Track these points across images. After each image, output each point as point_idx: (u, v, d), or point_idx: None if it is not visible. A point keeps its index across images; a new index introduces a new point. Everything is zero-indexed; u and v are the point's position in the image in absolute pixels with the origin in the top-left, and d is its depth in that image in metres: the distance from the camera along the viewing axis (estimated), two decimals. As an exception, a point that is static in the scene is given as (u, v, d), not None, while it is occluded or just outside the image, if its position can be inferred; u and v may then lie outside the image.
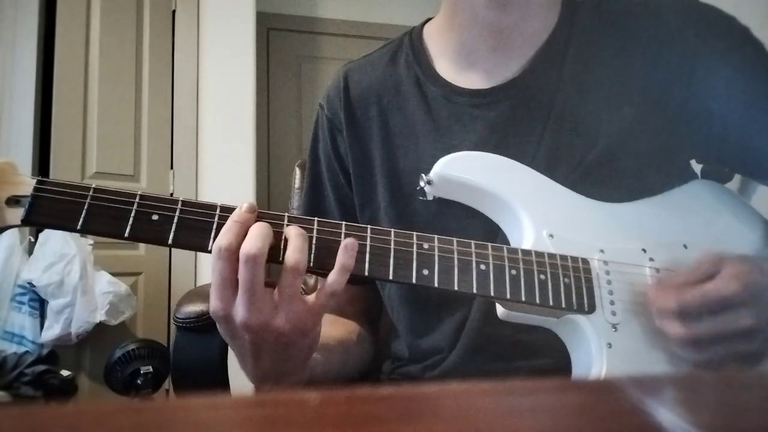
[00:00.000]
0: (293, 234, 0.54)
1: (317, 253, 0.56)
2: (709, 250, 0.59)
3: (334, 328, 0.78)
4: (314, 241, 0.57)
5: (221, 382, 0.85)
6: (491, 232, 0.66)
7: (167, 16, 2.47)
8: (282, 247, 0.55)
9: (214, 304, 0.54)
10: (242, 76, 2.48)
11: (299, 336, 0.55)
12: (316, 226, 0.57)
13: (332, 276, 0.54)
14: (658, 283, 0.59)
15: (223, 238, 0.53)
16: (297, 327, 0.54)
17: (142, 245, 2.32)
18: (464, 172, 0.65)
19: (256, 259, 0.51)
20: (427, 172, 0.65)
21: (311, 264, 0.56)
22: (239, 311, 0.52)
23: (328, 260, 0.56)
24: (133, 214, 0.55)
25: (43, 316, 2.03)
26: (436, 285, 0.57)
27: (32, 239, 2.13)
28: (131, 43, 2.40)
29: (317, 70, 3.08)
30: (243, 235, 0.53)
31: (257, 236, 0.52)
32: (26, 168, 2.14)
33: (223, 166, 2.41)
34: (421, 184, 0.66)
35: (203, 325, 0.83)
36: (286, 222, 0.56)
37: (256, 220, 0.55)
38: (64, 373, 1.92)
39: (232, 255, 0.52)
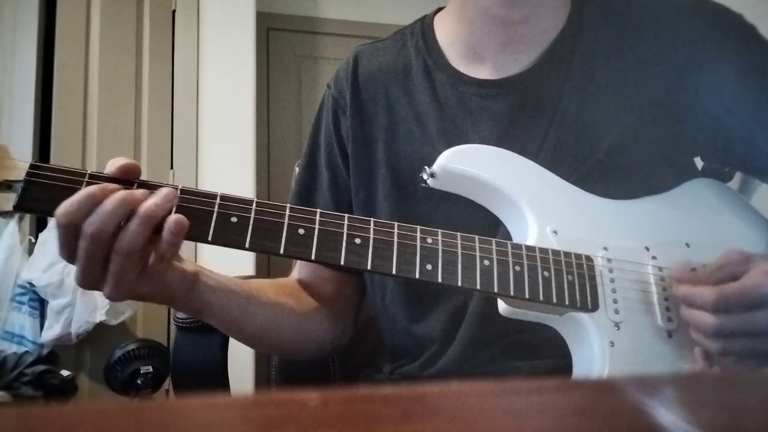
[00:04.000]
0: (136, 214, 0.52)
1: (319, 244, 0.56)
2: (734, 249, 0.59)
3: (279, 292, 0.75)
4: (316, 233, 0.56)
5: (221, 382, 0.85)
6: (492, 225, 0.66)
7: (167, 16, 2.47)
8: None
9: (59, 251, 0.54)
10: (242, 76, 2.48)
11: (138, 299, 0.57)
12: (318, 218, 0.57)
13: (160, 246, 0.53)
14: (691, 277, 0.59)
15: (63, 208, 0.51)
16: (130, 295, 0.55)
17: (142, 245, 2.32)
18: (468, 165, 0.64)
19: (97, 239, 0.51)
20: (430, 159, 0.65)
21: (314, 256, 0.56)
22: (77, 272, 0.53)
23: (330, 253, 0.56)
24: None
25: (43, 316, 2.03)
26: (439, 280, 0.57)
27: (32, 239, 2.13)
28: (131, 43, 2.39)
29: (317, 70, 3.07)
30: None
31: (105, 214, 0.51)
32: (26, 168, 2.13)
33: (223, 166, 2.41)
34: (424, 176, 0.66)
35: (203, 325, 0.83)
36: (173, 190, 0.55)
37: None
38: (64, 373, 1.92)
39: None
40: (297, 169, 1.17)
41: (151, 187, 0.54)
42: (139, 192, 0.52)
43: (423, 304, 0.73)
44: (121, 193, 0.51)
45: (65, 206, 0.51)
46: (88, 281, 0.53)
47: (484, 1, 0.70)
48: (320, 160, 0.81)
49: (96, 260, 0.52)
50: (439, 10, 0.81)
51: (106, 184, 0.52)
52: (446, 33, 0.77)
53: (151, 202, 0.52)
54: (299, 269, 0.84)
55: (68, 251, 0.53)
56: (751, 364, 0.57)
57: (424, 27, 0.80)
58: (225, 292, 0.65)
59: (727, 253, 0.59)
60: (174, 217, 0.52)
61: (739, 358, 0.57)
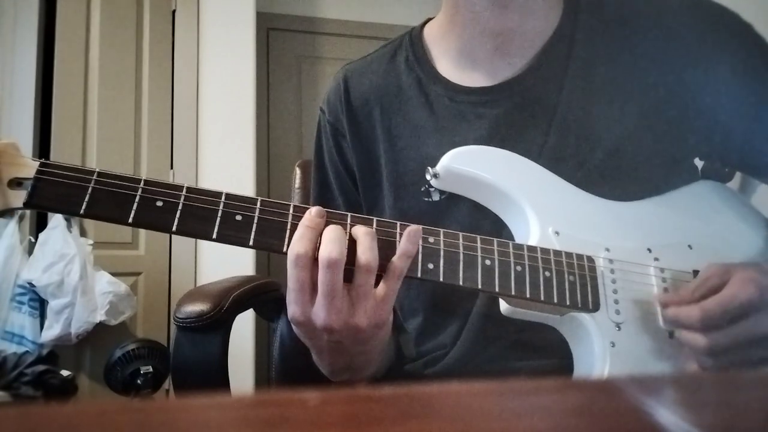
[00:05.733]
0: (361, 233, 0.55)
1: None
2: (712, 262, 0.59)
3: None
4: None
5: (221, 382, 0.85)
6: (496, 232, 0.66)
7: (167, 16, 2.47)
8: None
9: (292, 310, 0.54)
10: (242, 76, 2.48)
11: (376, 329, 0.56)
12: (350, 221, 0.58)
13: (395, 261, 0.55)
14: (676, 297, 0.59)
15: (299, 245, 0.53)
16: (373, 321, 0.55)
17: (142, 245, 2.33)
18: (471, 165, 0.65)
19: (337, 264, 0.52)
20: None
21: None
22: (320, 315, 0.53)
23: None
24: (137, 200, 0.54)
25: (43, 316, 2.03)
26: (441, 279, 0.57)
27: (32, 239, 2.13)
28: (131, 43, 2.40)
29: (317, 70, 3.07)
30: (316, 240, 0.54)
31: (334, 240, 0.53)
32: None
33: (223, 166, 2.41)
34: (428, 177, 0.66)
35: (203, 325, 0.83)
36: (349, 221, 0.57)
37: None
38: (64, 373, 1.92)
39: (309, 261, 0.53)
40: (297, 170, 1.17)
41: (160, 186, 0.55)
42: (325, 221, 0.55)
43: (434, 325, 0.73)
44: (333, 225, 0.55)
45: (298, 242, 0.53)
46: (336, 313, 0.53)
47: (474, 10, 0.70)
48: (332, 185, 0.81)
49: (340, 289, 0.53)
50: (428, 21, 0.81)
51: (307, 216, 0.55)
52: (437, 43, 0.77)
53: (359, 225, 0.56)
54: None
55: (307, 292, 0.54)
56: (748, 368, 0.57)
57: (413, 40, 0.79)
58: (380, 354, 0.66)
59: (706, 268, 0.59)
60: (412, 227, 0.56)
61: (737, 367, 0.57)
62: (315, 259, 0.53)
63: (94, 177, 0.54)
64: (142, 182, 0.55)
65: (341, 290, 0.53)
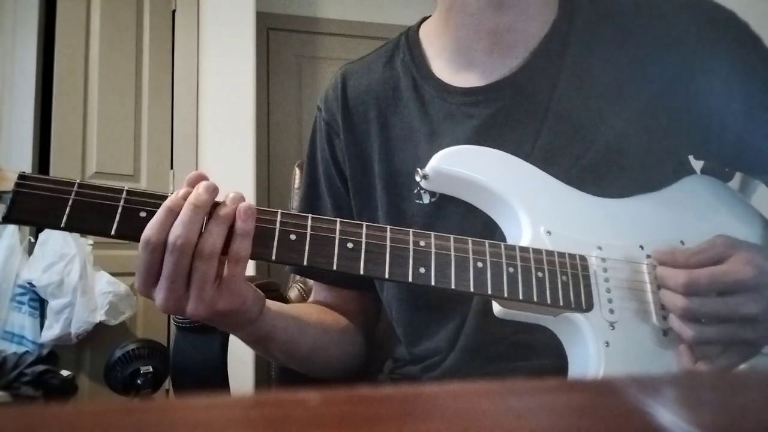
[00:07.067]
0: (212, 217, 0.53)
1: (311, 249, 0.56)
2: (720, 234, 0.59)
3: (318, 312, 0.77)
4: (308, 238, 0.56)
5: (221, 382, 0.85)
6: (489, 232, 0.66)
7: (167, 16, 2.47)
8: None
9: (136, 282, 0.55)
10: (242, 76, 2.48)
11: (219, 316, 0.55)
12: (310, 223, 0.56)
13: (233, 245, 0.54)
14: (670, 259, 0.59)
15: (153, 232, 0.52)
16: (213, 308, 0.54)
17: (142, 245, 2.32)
18: (461, 166, 0.64)
19: (180, 249, 0.51)
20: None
21: (306, 261, 0.55)
22: (159, 295, 0.53)
23: (322, 258, 0.55)
24: (119, 211, 0.53)
25: (43, 316, 2.03)
26: (432, 283, 0.56)
27: (32, 239, 2.13)
28: (131, 43, 2.40)
29: (317, 70, 3.08)
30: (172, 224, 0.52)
31: (183, 224, 0.52)
32: (26, 168, 2.13)
33: (223, 166, 2.41)
34: (417, 178, 0.65)
35: (203, 325, 0.83)
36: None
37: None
38: (64, 373, 1.92)
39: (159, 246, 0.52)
40: (297, 170, 1.17)
41: (143, 196, 0.54)
42: (203, 196, 0.53)
43: (426, 324, 0.73)
44: (191, 200, 0.53)
45: (152, 227, 0.52)
46: (174, 298, 0.53)
47: (467, 11, 0.70)
48: (320, 185, 0.81)
49: (182, 274, 0.52)
50: (424, 20, 0.81)
51: (177, 195, 0.53)
52: (433, 43, 0.77)
53: (227, 207, 0.54)
54: (317, 293, 0.85)
55: (152, 274, 0.53)
56: (734, 356, 0.56)
57: (410, 40, 0.79)
58: (284, 315, 0.67)
59: (713, 238, 0.58)
60: (244, 204, 0.54)
61: (719, 349, 0.57)
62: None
63: (75, 188, 0.52)
64: (125, 193, 0.54)
65: (183, 276, 0.52)
